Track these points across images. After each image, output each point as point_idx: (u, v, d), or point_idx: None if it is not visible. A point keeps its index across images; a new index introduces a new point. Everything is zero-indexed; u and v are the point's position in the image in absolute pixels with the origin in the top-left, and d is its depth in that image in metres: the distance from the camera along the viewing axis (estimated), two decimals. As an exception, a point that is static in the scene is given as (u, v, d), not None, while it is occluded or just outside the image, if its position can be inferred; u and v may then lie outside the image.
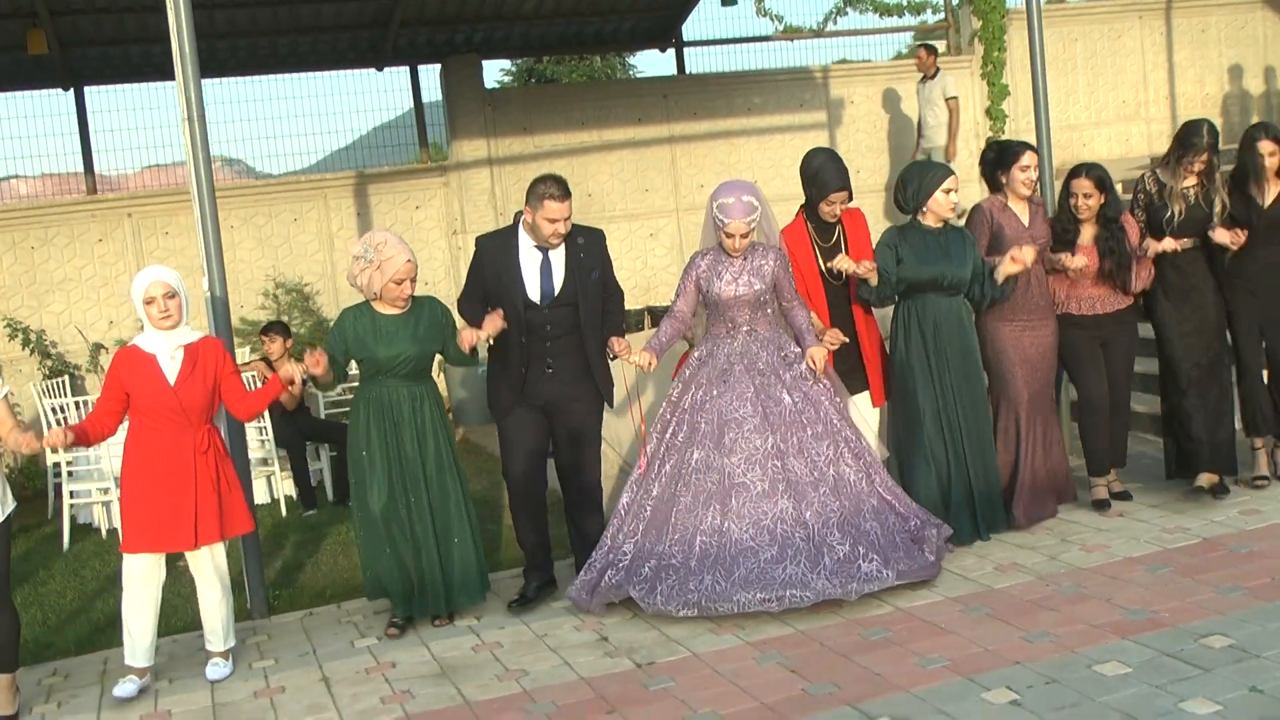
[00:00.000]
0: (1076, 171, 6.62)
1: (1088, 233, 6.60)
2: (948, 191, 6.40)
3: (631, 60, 22.09)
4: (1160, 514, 6.60)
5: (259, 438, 9.19)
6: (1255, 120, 14.01)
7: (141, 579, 5.50)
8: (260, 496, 9.34)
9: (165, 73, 12.53)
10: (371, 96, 14.84)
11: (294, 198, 12.29)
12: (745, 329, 6.12)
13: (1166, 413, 6.93)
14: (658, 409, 6.36)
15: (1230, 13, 14.98)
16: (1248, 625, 4.91)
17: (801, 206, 6.72)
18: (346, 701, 5.22)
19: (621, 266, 12.72)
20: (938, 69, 12.86)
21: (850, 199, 6.58)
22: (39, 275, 11.64)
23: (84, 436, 5.44)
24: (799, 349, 6.14)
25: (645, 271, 13.13)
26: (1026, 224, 6.67)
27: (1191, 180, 6.66)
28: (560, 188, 5.92)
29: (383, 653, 5.76)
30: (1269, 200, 6.64)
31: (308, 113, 12.10)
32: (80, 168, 12.27)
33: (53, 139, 12.84)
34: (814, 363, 6.04)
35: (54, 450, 5.40)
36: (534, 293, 6.02)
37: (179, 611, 6.73)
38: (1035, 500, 6.63)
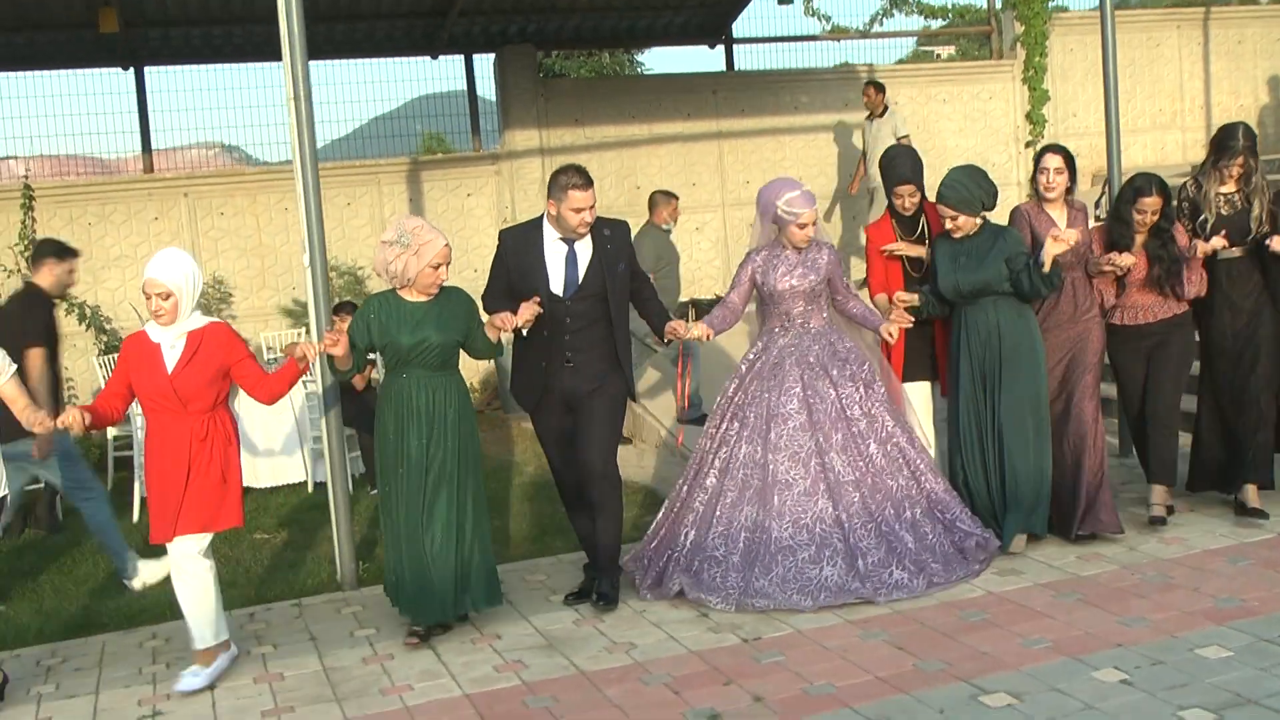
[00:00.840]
0: (1145, 189, 6.43)
1: (1137, 239, 6.53)
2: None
3: (640, 58, 22.21)
4: (1228, 510, 6.76)
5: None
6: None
7: (180, 563, 5.44)
8: (322, 474, 9.50)
9: (224, 54, 12.73)
10: (371, 88, 14.94)
11: (348, 182, 12.44)
12: (799, 322, 6.27)
13: (1199, 419, 6.88)
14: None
15: (1266, 25, 15.19)
16: (1342, 613, 5.11)
17: (886, 206, 6.94)
18: (459, 669, 5.39)
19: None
20: (886, 107, 12.63)
21: (920, 192, 6.74)
22: (95, 251, 11.77)
23: (98, 418, 5.35)
24: (851, 344, 6.30)
25: (690, 264, 13.28)
26: (1063, 227, 6.53)
27: (1231, 186, 6.64)
28: (583, 177, 5.87)
29: (485, 625, 5.93)
30: None
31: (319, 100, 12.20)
32: (136, 148, 12.43)
33: (94, 118, 12.77)
34: (890, 337, 6.29)
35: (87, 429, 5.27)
36: (557, 285, 5.96)
37: (270, 581, 6.92)
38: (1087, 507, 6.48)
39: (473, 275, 11.52)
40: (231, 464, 5.51)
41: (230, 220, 12.12)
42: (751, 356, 6.38)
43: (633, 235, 6.43)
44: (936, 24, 14.67)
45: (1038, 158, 6.72)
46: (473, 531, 5.77)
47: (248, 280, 12.16)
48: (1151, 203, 6.41)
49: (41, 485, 8.65)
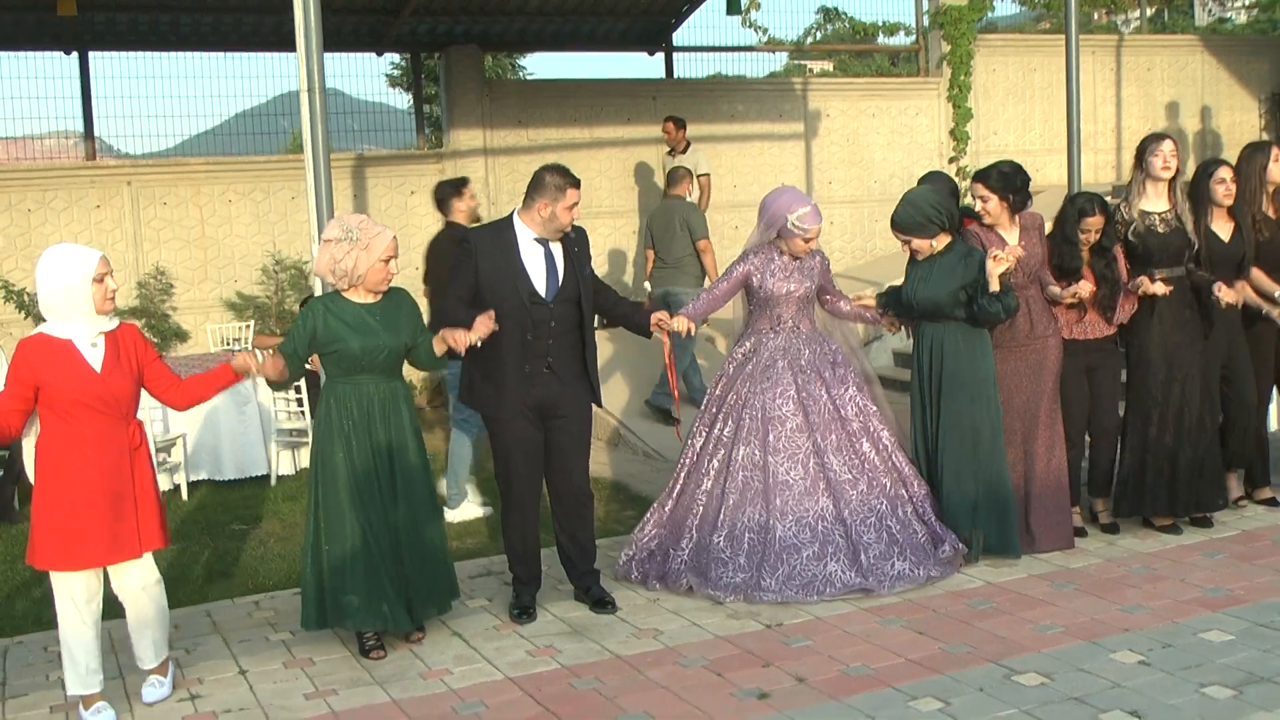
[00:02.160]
0: (1088, 210, 6.62)
1: (1084, 258, 6.69)
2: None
3: (521, 62, 22.28)
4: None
5: (293, 409, 9.36)
6: (1191, 156, 15.02)
7: (85, 599, 4.98)
8: (286, 468, 9.53)
9: (170, 43, 12.60)
10: (237, 82, 14.80)
11: (292, 176, 12.38)
12: (790, 325, 6.46)
13: (1126, 442, 6.94)
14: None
15: (1173, 54, 15.98)
16: (1323, 603, 5.54)
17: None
18: (492, 654, 5.53)
19: (605, 261, 13.23)
20: (688, 143, 12.36)
21: (911, 240, 6.59)
22: (35, 238, 11.58)
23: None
24: (837, 346, 6.56)
25: (628, 268, 13.52)
26: (1014, 242, 6.67)
27: (1164, 203, 6.76)
28: (573, 176, 5.88)
29: (502, 613, 6.08)
30: (1227, 236, 6.91)
31: (167, 94, 11.90)
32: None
33: (33, 102, 12.52)
34: (893, 328, 6.63)
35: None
36: (540, 286, 5.86)
37: (264, 571, 6.97)
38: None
39: (414, 273, 11.52)
40: (154, 476, 5.22)
41: (173, 211, 12.00)
42: (740, 356, 6.54)
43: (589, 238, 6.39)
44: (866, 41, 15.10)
45: (1076, 216, 6.68)
46: (430, 536, 5.66)
47: (189, 272, 12.05)
48: (1095, 222, 6.61)
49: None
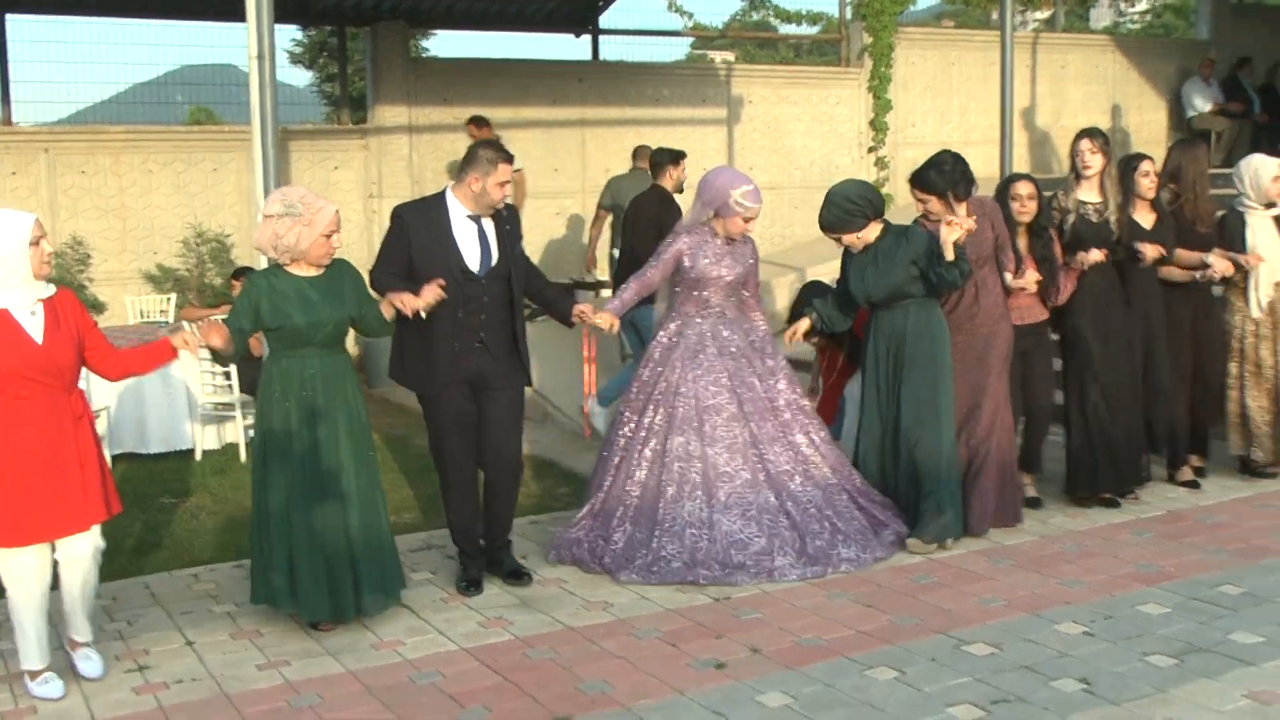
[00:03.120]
0: (1015, 178, 6.94)
1: (1022, 243, 6.85)
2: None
3: (425, 43, 22.09)
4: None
5: (219, 383, 9.22)
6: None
7: (35, 573, 4.90)
8: (211, 442, 9.39)
9: (88, 6, 12.31)
10: (134, 51, 14.49)
11: (214, 147, 12.20)
12: (718, 310, 6.41)
13: (1069, 423, 7.20)
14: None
15: (1086, 52, 16.37)
16: (1250, 578, 5.77)
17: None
18: (444, 626, 5.54)
19: (528, 242, 13.12)
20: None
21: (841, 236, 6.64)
22: (-54, 205, 11.26)
23: None
24: (765, 332, 6.52)
25: (550, 249, 13.52)
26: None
27: (1096, 194, 7.00)
28: (506, 151, 5.88)
29: (448, 586, 6.07)
30: (1150, 224, 7.20)
31: (64, 59, 11.60)
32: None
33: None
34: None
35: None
36: (472, 262, 5.86)
37: (198, 545, 6.89)
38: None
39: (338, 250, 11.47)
40: (100, 445, 5.11)
41: (91, 179, 11.73)
42: (665, 340, 6.43)
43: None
44: (790, 29, 15.25)
45: (1005, 187, 6.95)
46: (377, 510, 5.59)
47: (108, 242, 11.79)
48: (1023, 186, 6.79)
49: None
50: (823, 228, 6.56)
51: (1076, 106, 16.16)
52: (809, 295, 7.33)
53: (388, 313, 5.64)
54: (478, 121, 12.11)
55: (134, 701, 4.83)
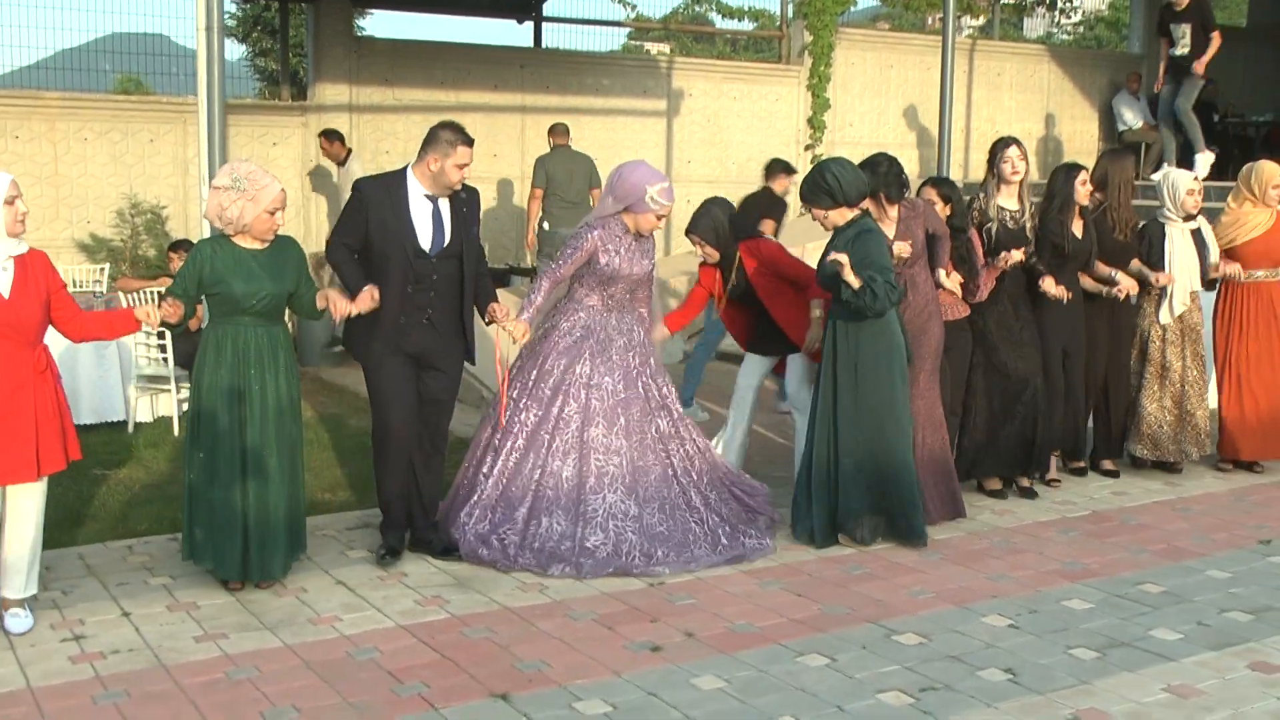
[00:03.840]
0: (926, 182, 7.23)
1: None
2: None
3: (360, 22, 21.89)
4: (1040, 488, 7.59)
5: (154, 355, 9.14)
6: (1034, 160, 15.67)
7: (33, 504, 5.20)
8: (144, 415, 9.31)
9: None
10: (62, 14, 14.28)
11: (152, 118, 12.09)
12: (621, 303, 6.46)
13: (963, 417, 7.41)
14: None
15: (1022, 61, 16.66)
16: (1170, 577, 5.95)
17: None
18: (381, 603, 5.57)
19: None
20: (349, 151, 12.02)
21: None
22: (-128, 166, 11.05)
23: None
24: (648, 326, 6.60)
25: (488, 233, 13.50)
26: (890, 235, 6.79)
27: (1014, 201, 7.23)
28: (467, 134, 5.96)
29: (390, 565, 6.09)
30: (1081, 232, 7.45)
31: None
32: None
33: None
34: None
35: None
36: (425, 241, 5.96)
37: (134, 516, 6.85)
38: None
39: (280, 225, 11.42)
40: (62, 395, 5.36)
41: (25, 145, 11.57)
42: (571, 331, 6.39)
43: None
44: (731, 24, 15.38)
45: (917, 191, 7.21)
46: (295, 482, 5.79)
47: (41, 210, 11.62)
48: (927, 192, 7.06)
49: None
50: (801, 197, 6.59)
51: (1011, 114, 16.45)
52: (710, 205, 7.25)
53: (321, 303, 5.83)
54: (329, 134, 11.92)
55: (71, 670, 4.82)
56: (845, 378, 6.37)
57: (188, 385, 6.87)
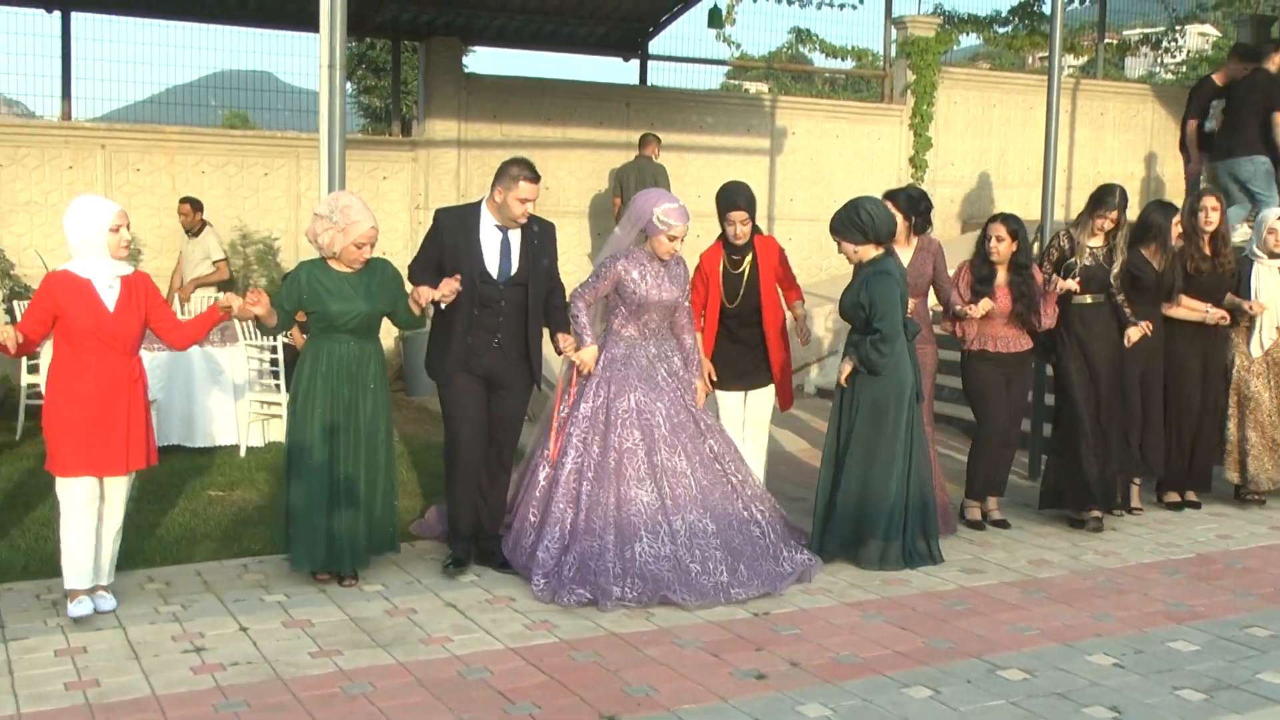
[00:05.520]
0: (994, 218, 7.51)
1: (1002, 276, 7.39)
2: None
3: (465, 60, 22.33)
4: (1145, 530, 7.56)
5: (265, 382, 9.40)
6: (1137, 200, 15.53)
7: (86, 502, 5.64)
8: (255, 439, 9.56)
9: (152, 8, 12.58)
10: (174, 52, 14.73)
11: (266, 152, 12.46)
12: (656, 332, 6.66)
13: (1055, 448, 7.72)
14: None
15: (1126, 101, 16.54)
16: (1278, 621, 5.88)
17: (720, 235, 7.23)
18: (490, 625, 5.70)
19: (569, 260, 13.40)
20: (204, 223, 11.51)
21: (752, 221, 7.06)
22: (4, 195, 11.52)
23: (27, 343, 5.56)
24: (689, 351, 6.81)
25: (587, 267, 13.69)
26: (905, 263, 7.10)
27: (1099, 240, 7.54)
28: (533, 170, 6.28)
29: (494, 587, 6.25)
30: (1162, 266, 7.73)
31: (98, 57, 11.79)
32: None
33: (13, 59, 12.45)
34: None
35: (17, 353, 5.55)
36: (492, 268, 6.33)
37: (248, 536, 7.05)
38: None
39: (380, 255, 11.68)
40: (148, 406, 5.92)
41: (146, 177, 11.99)
42: (617, 362, 6.58)
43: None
44: (835, 64, 15.46)
45: (985, 226, 7.56)
46: (384, 489, 6.28)
47: (159, 240, 12.04)
48: (994, 228, 7.37)
49: None
50: (830, 226, 6.84)
51: (1113, 153, 16.33)
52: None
53: (414, 308, 6.26)
54: (192, 203, 11.48)
55: (192, 680, 5.00)
56: (846, 405, 6.73)
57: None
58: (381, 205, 12.76)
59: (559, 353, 6.61)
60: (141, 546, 6.76)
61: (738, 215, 7.00)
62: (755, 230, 7.16)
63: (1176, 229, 7.72)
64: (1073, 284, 7.36)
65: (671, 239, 6.46)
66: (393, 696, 4.87)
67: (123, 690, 4.89)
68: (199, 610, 5.82)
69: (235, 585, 6.22)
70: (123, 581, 6.12)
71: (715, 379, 7.15)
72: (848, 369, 6.68)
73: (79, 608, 5.63)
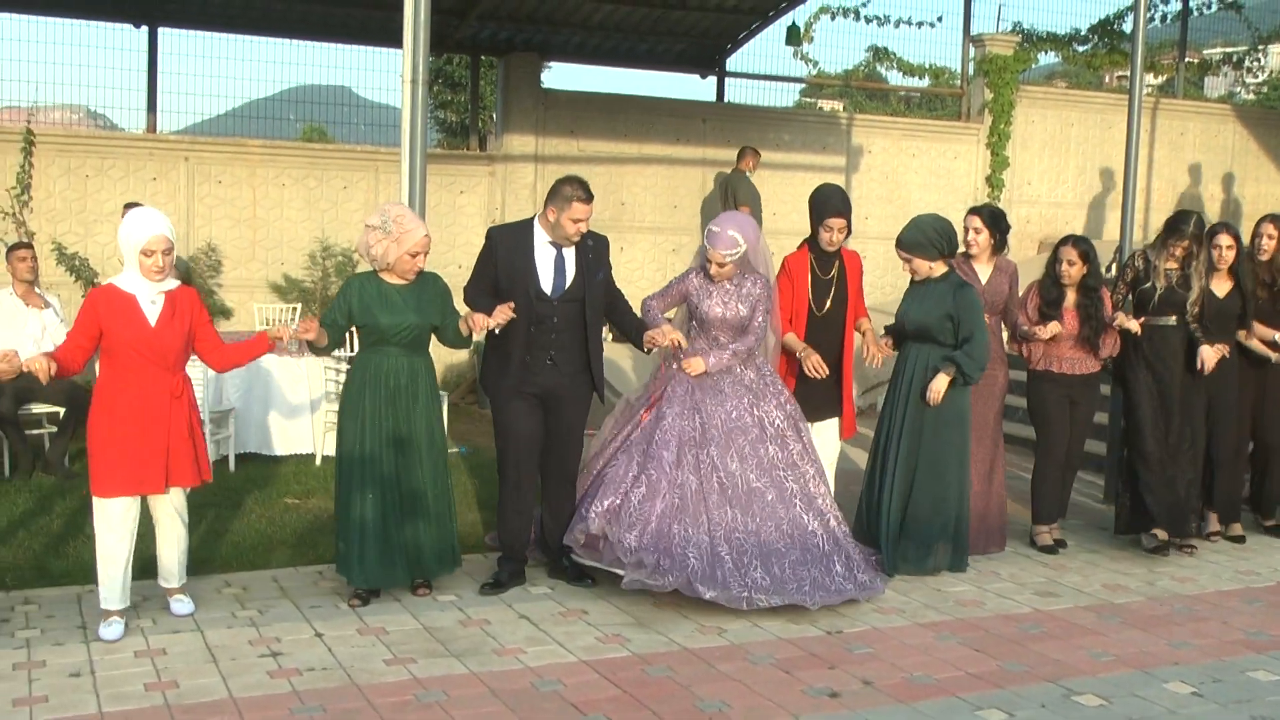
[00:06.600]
0: (1065, 240, 7.47)
1: (1071, 298, 7.38)
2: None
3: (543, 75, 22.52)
4: (1223, 556, 7.45)
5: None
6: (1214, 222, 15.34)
7: (119, 521, 5.57)
8: (331, 449, 9.67)
9: (237, 24, 12.81)
10: (254, 66, 15.01)
11: (346, 166, 12.64)
12: (730, 346, 6.58)
13: (1128, 471, 7.57)
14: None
15: (1206, 121, 16.32)
16: (1363, 653, 5.78)
17: (805, 239, 7.23)
18: (563, 638, 5.72)
19: (643, 276, 13.45)
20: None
21: (848, 230, 7.05)
22: (90, 204, 11.79)
23: (62, 368, 5.41)
24: (770, 369, 6.74)
25: (663, 283, 13.72)
26: (984, 280, 7.29)
27: (1173, 264, 7.43)
28: (586, 190, 6.25)
29: (566, 599, 6.28)
30: (1223, 293, 7.60)
31: (181, 70, 12.00)
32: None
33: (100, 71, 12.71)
34: (814, 372, 6.86)
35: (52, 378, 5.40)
36: (546, 285, 6.33)
37: (321, 544, 7.12)
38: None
39: (456, 270, 11.76)
40: (197, 422, 5.81)
41: (228, 189, 12.21)
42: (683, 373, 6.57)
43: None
44: (912, 82, 15.40)
45: (1056, 248, 7.49)
46: (435, 503, 6.17)
47: (238, 251, 12.25)
48: (1065, 251, 7.36)
49: (55, 429, 8.72)
50: (898, 245, 6.87)
51: (1192, 174, 16.11)
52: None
53: (464, 329, 6.19)
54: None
55: (269, 684, 5.08)
56: (907, 414, 6.81)
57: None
58: (458, 219, 12.91)
59: (646, 352, 6.66)
60: (218, 552, 6.88)
61: (836, 222, 6.99)
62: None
63: (1230, 252, 7.55)
64: (1134, 325, 7.28)
65: (709, 262, 6.47)
66: (466, 706, 4.91)
67: (201, 692, 4.98)
68: (275, 615, 5.91)
69: (310, 592, 6.31)
70: (200, 586, 6.24)
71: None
72: (944, 384, 6.66)
73: (110, 630, 5.54)
